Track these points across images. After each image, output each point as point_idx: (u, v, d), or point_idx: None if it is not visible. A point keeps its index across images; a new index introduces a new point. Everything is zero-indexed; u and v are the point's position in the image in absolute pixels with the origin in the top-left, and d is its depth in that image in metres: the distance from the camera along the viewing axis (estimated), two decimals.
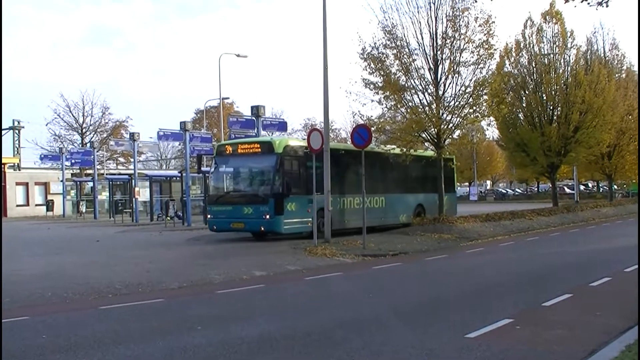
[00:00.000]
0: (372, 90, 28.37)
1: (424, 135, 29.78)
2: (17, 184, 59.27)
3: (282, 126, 33.38)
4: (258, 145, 23.90)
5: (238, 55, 46.05)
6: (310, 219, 22.51)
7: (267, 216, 22.29)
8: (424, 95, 28.75)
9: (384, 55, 28.36)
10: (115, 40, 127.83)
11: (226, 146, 25.23)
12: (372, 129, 25.65)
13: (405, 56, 28.21)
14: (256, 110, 30.24)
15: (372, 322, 9.79)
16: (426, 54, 28.29)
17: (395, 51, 28.24)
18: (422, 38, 28.14)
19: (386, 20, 28.18)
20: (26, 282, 14.25)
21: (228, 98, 61.67)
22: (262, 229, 22.73)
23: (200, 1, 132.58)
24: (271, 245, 21.19)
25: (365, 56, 28.18)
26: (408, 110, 28.77)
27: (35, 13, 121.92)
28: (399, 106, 28.94)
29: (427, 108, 28.57)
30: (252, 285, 13.74)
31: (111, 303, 11.66)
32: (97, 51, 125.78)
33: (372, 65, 28.16)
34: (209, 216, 24.89)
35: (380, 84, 28.23)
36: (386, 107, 29.25)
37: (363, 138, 21.39)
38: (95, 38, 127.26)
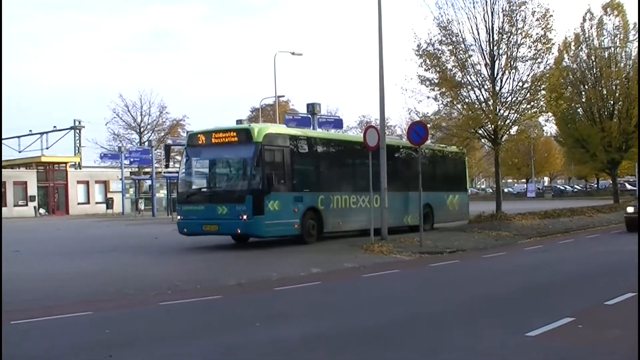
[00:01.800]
0: (427, 86, 28.29)
1: (480, 132, 29.53)
2: (78, 182, 60.57)
3: (337, 123, 33.45)
4: (234, 134, 20.49)
5: (293, 54, 46.19)
6: (297, 220, 20.30)
7: (245, 216, 18.98)
8: (481, 91, 28.55)
9: (440, 52, 28.24)
10: (171, 41, 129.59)
11: (198, 135, 21.65)
12: (428, 125, 25.49)
13: (461, 52, 28.04)
14: (312, 108, 30.35)
15: (430, 320, 9.74)
16: (482, 49, 28.09)
17: (451, 47, 28.09)
18: (478, 33, 27.97)
19: (441, 16, 28.07)
20: (88, 278, 14.56)
21: (283, 96, 62.00)
22: (239, 231, 19.61)
23: (253, 1, 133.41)
24: (327, 242, 21.16)
25: (420, 53, 28.09)
26: (464, 106, 28.59)
27: (92, 17, 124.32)
28: (455, 102, 28.80)
29: (483, 104, 28.34)
30: (309, 283, 13.77)
31: (170, 299, 11.81)
32: (153, 52, 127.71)
33: (427, 61, 28.05)
34: (178, 217, 21.07)
35: (436, 81, 28.11)
36: (442, 103, 29.18)
37: (419, 135, 21.28)
38: (151, 39, 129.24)
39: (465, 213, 29.62)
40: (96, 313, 10.69)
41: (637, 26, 27.35)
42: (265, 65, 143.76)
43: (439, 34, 28.13)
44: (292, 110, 63.15)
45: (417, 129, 21.60)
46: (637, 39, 27.06)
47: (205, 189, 21.57)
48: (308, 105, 30.74)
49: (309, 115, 30.45)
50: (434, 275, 15.57)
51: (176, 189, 22.51)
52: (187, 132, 20.44)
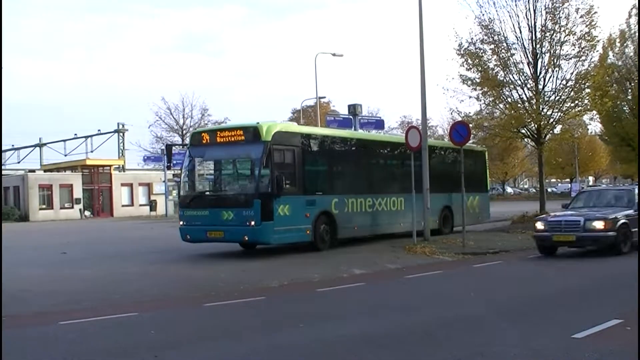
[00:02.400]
0: (469, 86, 28.14)
1: (523, 131, 29.27)
2: (122, 184, 61.33)
3: (379, 124, 33.37)
4: (241, 132, 18.75)
5: (334, 55, 46.15)
6: (310, 226, 18.80)
7: (252, 223, 17.46)
8: (523, 90, 28.29)
9: (481, 51, 28.06)
10: (212, 43, 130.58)
11: (202, 134, 20.43)
12: (470, 125, 25.32)
13: (503, 51, 27.81)
14: (353, 108, 30.34)
15: (474, 321, 9.67)
16: (525, 47, 27.83)
17: (492, 46, 27.89)
18: (521, 32, 27.72)
19: (483, 15, 27.87)
20: (132, 279, 14.75)
21: (324, 97, 62.05)
22: (246, 238, 18.10)
23: (291, 3, 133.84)
24: (370, 243, 21.10)
25: (462, 52, 27.94)
26: (507, 105, 28.36)
27: (135, 21, 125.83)
28: (497, 102, 28.58)
29: (526, 103, 28.08)
30: (352, 284, 13.78)
31: (214, 300, 11.89)
32: (195, 55, 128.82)
33: (469, 61, 27.89)
34: (180, 223, 19.37)
35: (477, 80, 27.93)
36: (484, 103, 28.99)
37: (462, 135, 21.15)
38: (192, 42, 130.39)
39: (485, 215, 28.24)
40: (141, 314, 10.82)
41: None
42: (306, 67, 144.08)
43: (480, 33, 27.97)
44: (333, 111, 63.20)
45: (460, 129, 21.47)
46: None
47: (209, 193, 20.27)
48: (349, 106, 30.73)
49: (351, 117, 30.43)
50: (477, 276, 15.45)
51: (177, 192, 20.96)
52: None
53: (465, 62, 27.94)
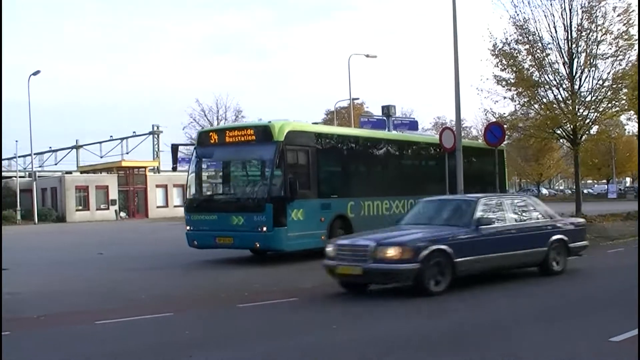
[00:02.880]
0: (504, 87, 27.93)
1: (558, 132, 28.98)
2: (157, 186, 61.83)
3: (413, 125, 33.17)
4: (251, 132, 17.78)
5: (367, 56, 46.22)
6: (324, 231, 17.58)
7: (264, 228, 16.55)
8: (559, 91, 27.98)
9: (516, 51, 27.81)
10: (245, 46, 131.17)
11: (210, 133, 19.30)
12: (505, 126, 25.13)
13: (538, 51, 27.55)
14: (387, 110, 30.20)
15: (510, 323, 9.59)
16: (560, 47, 27.52)
17: (527, 46, 27.63)
18: (556, 31, 27.40)
19: (517, 14, 27.62)
20: (167, 280, 14.92)
21: (358, 98, 61.98)
22: (257, 245, 17.20)
23: (324, 5, 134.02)
24: None
25: (496, 52, 27.73)
26: (542, 106, 28.08)
27: (168, 24, 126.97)
28: (532, 102, 28.33)
29: (562, 104, 27.77)
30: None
31: (248, 301, 11.93)
32: (229, 57, 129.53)
33: (503, 61, 27.67)
34: (187, 227, 18.43)
35: (512, 80, 27.70)
36: (519, 103, 28.75)
37: (496, 136, 21.03)
38: (224, 45, 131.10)
39: None
40: (176, 314, 10.90)
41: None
42: (339, 68, 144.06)
43: (515, 33, 27.72)
44: (366, 112, 63.14)
45: (494, 130, 21.36)
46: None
47: (217, 196, 19.31)
48: (383, 107, 30.61)
49: (384, 118, 30.32)
50: (511, 278, 15.29)
51: (185, 194, 19.76)
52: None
53: (499, 63, 27.73)
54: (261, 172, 18.05)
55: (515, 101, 28.46)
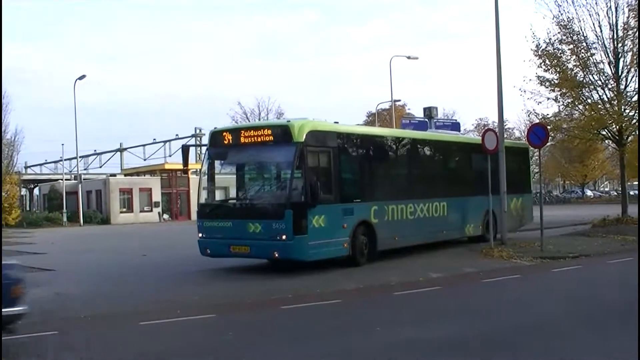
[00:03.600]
0: (547, 87, 27.60)
1: (604, 133, 28.56)
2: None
3: (455, 127, 32.89)
4: (269, 132, 16.38)
5: (409, 57, 46.06)
6: (347, 238, 16.40)
7: (284, 237, 15.12)
8: (604, 91, 27.57)
9: (560, 51, 27.45)
10: (286, 48, 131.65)
11: (224, 133, 17.32)
12: (548, 127, 24.83)
13: (582, 51, 27.15)
14: (429, 111, 30.00)
15: (553, 327, 9.50)
16: (605, 47, 27.09)
17: (571, 46, 27.26)
18: (601, 30, 26.97)
19: (561, 14, 27.23)
20: (210, 281, 15.06)
21: (399, 100, 61.84)
22: (276, 255, 15.60)
23: (365, 7, 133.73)
24: (446, 247, 20.86)
25: (539, 53, 27.41)
26: (586, 107, 27.68)
27: (210, 27, 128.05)
28: (576, 103, 27.94)
29: (607, 104, 27.35)
30: (428, 288, 13.70)
31: (291, 303, 12.00)
32: (270, 60, 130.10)
33: (547, 61, 27.34)
34: (199, 235, 16.96)
35: (556, 81, 27.36)
36: (562, 104, 28.36)
37: (539, 137, 20.75)
38: (267, 47, 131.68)
39: (529, 218, 25.88)
40: (220, 316, 10.99)
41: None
42: (381, 70, 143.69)
43: (558, 33, 27.36)
44: (408, 114, 62.96)
45: (537, 131, 21.06)
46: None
47: (233, 201, 18.21)
48: (425, 109, 30.41)
49: (426, 119, 30.17)
50: (556, 281, 15.17)
51: (198, 198, 18.13)
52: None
53: (543, 63, 27.41)
54: (280, 176, 16.83)
55: (559, 102, 28.11)
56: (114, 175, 63.33)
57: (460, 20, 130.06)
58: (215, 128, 17.61)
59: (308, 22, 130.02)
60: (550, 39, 27.38)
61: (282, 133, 15.93)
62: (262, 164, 17.58)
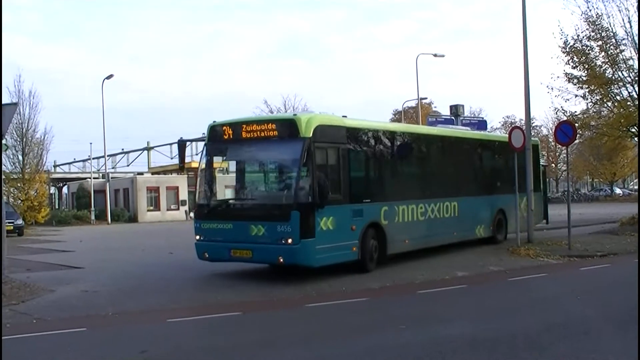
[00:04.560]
0: (575, 84, 27.32)
1: (633, 130, 28.22)
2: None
3: (482, 125, 32.81)
4: (273, 126, 15.13)
5: (435, 55, 45.88)
6: (356, 242, 15.24)
7: (289, 240, 13.90)
8: (634, 88, 27.19)
9: (588, 48, 27.15)
10: (312, 47, 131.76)
11: (224, 127, 15.87)
12: (576, 125, 24.60)
13: (611, 47, 26.82)
14: (455, 109, 29.98)
15: (580, 327, 9.43)
16: (635, 43, 26.70)
17: (600, 42, 26.93)
18: (631, 26, 26.57)
19: (590, 10, 26.91)
20: (235, 280, 15.09)
21: (426, 98, 61.62)
22: (281, 260, 14.21)
23: (392, 4, 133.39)
24: (470, 244, 20.72)
25: (567, 50, 27.13)
26: (615, 104, 27.38)
27: (234, 27, 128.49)
28: (605, 100, 27.64)
29: (636, 101, 27.00)
30: (454, 286, 13.65)
31: (317, 302, 12.02)
32: (296, 59, 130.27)
33: (575, 58, 27.06)
34: (197, 237, 15.66)
35: (584, 78, 27.09)
36: (591, 101, 28.06)
37: (567, 135, 20.56)
38: (292, 46, 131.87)
39: (539, 218, 24.45)
40: (244, 315, 11.02)
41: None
42: (407, 68, 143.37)
43: (587, 29, 27.05)
44: (434, 112, 62.77)
45: (565, 129, 20.87)
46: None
47: (233, 201, 16.71)
48: (451, 106, 30.40)
49: (452, 117, 30.10)
50: (584, 280, 15.04)
51: (195, 198, 17.20)
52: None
53: (570, 60, 27.14)
54: (285, 174, 15.55)
55: (587, 99, 27.81)
56: (141, 173, 63.78)
57: (487, 17, 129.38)
58: (214, 121, 16.11)
59: (335, 20, 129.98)
60: (578, 36, 27.10)
61: (288, 128, 14.73)
62: (265, 161, 16.39)
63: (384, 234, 16.25)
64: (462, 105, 30.51)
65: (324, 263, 14.52)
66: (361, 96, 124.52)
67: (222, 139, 15.84)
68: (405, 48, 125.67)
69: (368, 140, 16.85)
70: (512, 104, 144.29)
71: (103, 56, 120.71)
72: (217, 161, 16.71)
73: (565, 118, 27.13)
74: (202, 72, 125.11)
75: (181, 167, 19.95)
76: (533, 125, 64.57)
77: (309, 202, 14.08)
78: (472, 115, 56.73)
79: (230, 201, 16.82)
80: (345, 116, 16.61)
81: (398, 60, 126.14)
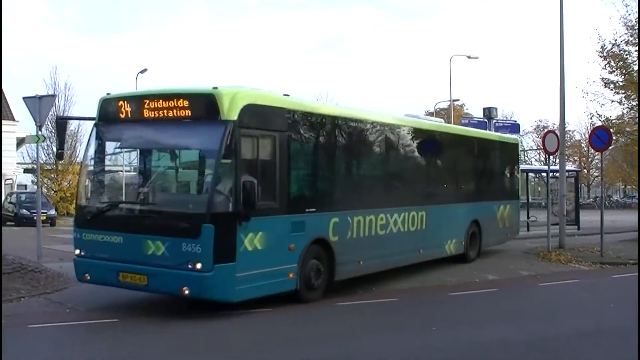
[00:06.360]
0: (611, 90, 26.99)
1: None
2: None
3: (514, 128, 32.60)
4: (186, 102, 10.71)
5: (469, 57, 45.60)
6: (294, 265, 11.31)
7: (198, 265, 9.95)
8: None
9: (626, 53, 26.82)
10: (345, 46, 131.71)
11: (119, 102, 11.52)
12: (611, 130, 24.35)
13: None
14: (488, 112, 29.79)
15: (615, 334, 9.37)
16: None
17: (638, 47, 26.63)
18: None
19: (629, 14, 26.57)
20: None
21: (458, 100, 61.31)
22: (186, 291, 10.05)
23: (425, 5, 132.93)
24: (501, 249, 20.61)
25: (604, 54, 26.82)
26: None
27: (266, 23, 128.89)
28: None
29: None
30: (484, 289, 13.63)
31: (346, 301, 12.00)
32: (327, 57, 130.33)
33: (612, 63, 26.74)
34: (76, 252, 11.43)
35: (620, 83, 26.76)
36: (627, 107, 27.70)
37: (602, 141, 20.35)
38: (324, 45, 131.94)
39: (515, 230, 21.07)
40: (274, 313, 11.02)
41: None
42: (439, 69, 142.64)
43: (625, 33, 26.71)
44: (466, 114, 62.39)
45: (600, 134, 20.66)
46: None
47: (126, 205, 11.97)
48: (484, 109, 30.20)
49: (485, 120, 29.92)
50: (617, 287, 14.90)
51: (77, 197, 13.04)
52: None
53: (607, 65, 26.84)
54: (198, 172, 11.80)
55: (623, 104, 27.50)
56: None
57: (522, 19, 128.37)
58: (107, 94, 11.93)
59: (367, 19, 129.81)
60: (616, 40, 26.80)
61: (205, 106, 10.67)
62: (172, 151, 12.14)
63: (333, 254, 12.26)
64: (495, 108, 30.32)
65: (248, 296, 10.61)
66: (393, 96, 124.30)
67: (116, 118, 11.52)
68: (439, 49, 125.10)
69: (318, 129, 12.56)
70: (545, 107, 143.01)
71: (137, 50, 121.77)
72: (109, 149, 12.25)
73: (600, 123, 26.87)
74: (234, 67, 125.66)
75: (60, 153, 14.59)
76: (566, 129, 63.93)
77: (228, 211, 10.28)
78: (505, 119, 56.26)
79: (122, 205, 12.02)
80: (288, 95, 12.09)
81: (431, 60, 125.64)
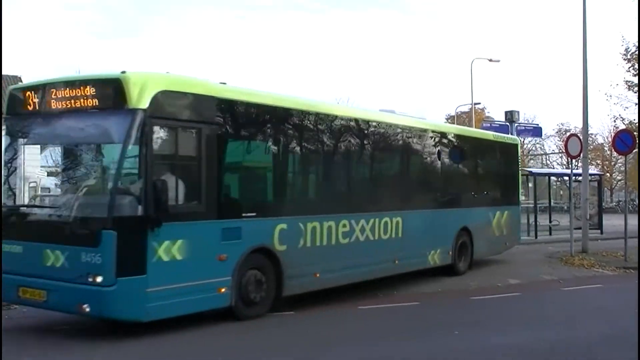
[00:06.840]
0: (635, 92, 26.82)
1: None
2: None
3: (536, 132, 32.52)
4: (92, 90, 9.44)
5: (490, 60, 45.42)
6: (227, 279, 9.99)
7: (98, 278, 8.67)
8: None
9: None
10: (364, 45, 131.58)
11: (27, 93, 10.24)
12: (635, 134, 24.16)
13: None
14: (510, 115, 29.68)
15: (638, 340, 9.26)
16: None
17: None
18: None
19: None
20: None
21: (479, 103, 61.03)
22: (85, 308, 8.76)
23: (446, 7, 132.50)
24: (522, 253, 20.49)
25: (629, 57, 26.72)
26: None
27: (286, 25, 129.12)
28: None
29: None
30: (506, 294, 13.56)
31: (368, 304, 12.01)
32: (348, 61, 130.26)
33: (636, 66, 26.58)
34: None
35: None
36: None
37: (626, 144, 20.17)
38: (342, 44, 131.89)
39: (515, 238, 19.61)
40: (298, 314, 11.03)
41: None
42: (461, 73, 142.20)
43: None
44: (488, 117, 62.09)
45: (624, 138, 20.48)
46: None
47: (27, 210, 10.71)
48: (506, 112, 30.09)
49: (507, 123, 29.80)
50: None
51: None
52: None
53: (631, 68, 26.71)
54: (101, 169, 10.34)
55: None
56: None
57: (544, 22, 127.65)
58: (18, 84, 10.54)
59: (386, 20, 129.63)
60: None
61: (111, 92, 9.37)
62: (77, 146, 10.84)
63: (280, 266, 10.93)
64: (517, 112, 30.21)
65: (164, 315, 9.21)
66: (414, 98, 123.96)
67: (23, 110, 10.28)
68: (460, 52, 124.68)
69: (259, 122, 11.33)
70: (567, 110, 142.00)
71: (159, 51, 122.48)
72: (15, 145, 10.79)
73: (624, 126, 26.68)
74: (256, 69, 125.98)
75: None
76: (589, 133, 63.42)
77: (135, 215, 8.89)
78: (527, 122, 55.96)
79: (22, 209, 10.68)
80: (225, 83, 10.84)
81: (452, 63, 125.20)
